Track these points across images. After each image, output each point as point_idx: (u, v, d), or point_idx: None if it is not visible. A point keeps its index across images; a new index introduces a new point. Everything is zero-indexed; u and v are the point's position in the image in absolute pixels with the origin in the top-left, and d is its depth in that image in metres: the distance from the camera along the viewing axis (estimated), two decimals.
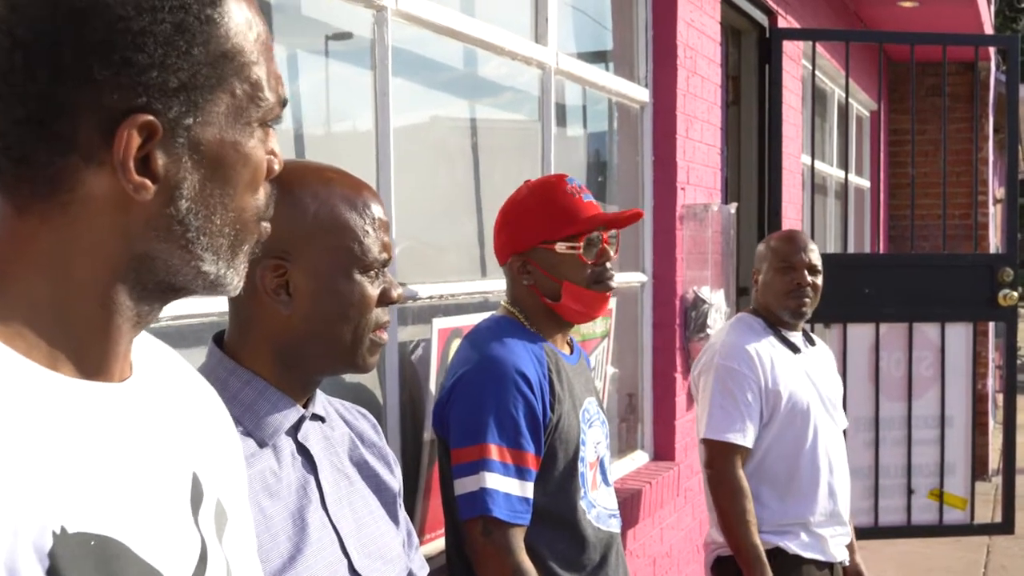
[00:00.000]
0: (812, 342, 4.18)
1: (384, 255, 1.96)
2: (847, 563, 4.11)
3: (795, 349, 4.04)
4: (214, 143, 1.07)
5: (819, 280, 4.06)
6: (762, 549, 3.76)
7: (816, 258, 4.07)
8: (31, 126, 1.01)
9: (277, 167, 1.15)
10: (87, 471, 0.99)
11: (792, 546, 3.91)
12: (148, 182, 1.03)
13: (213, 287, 1.12)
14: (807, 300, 4.03)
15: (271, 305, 1.88)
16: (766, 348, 3.96)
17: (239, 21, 1.08)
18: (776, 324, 4.06)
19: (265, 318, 1.89)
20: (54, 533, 0.93)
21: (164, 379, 1.19)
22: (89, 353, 1.06)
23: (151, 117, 1.01)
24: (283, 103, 1.14)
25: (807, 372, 4.03)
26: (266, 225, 1.15)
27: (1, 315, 1.01)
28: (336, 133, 3.35)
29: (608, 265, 2.95)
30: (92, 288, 1.05)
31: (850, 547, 4.15)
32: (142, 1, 1.01)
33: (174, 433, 1.15)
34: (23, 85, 1.00)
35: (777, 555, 3.86)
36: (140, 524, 1.03)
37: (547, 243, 2.89)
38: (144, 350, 1.17)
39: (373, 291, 1.93)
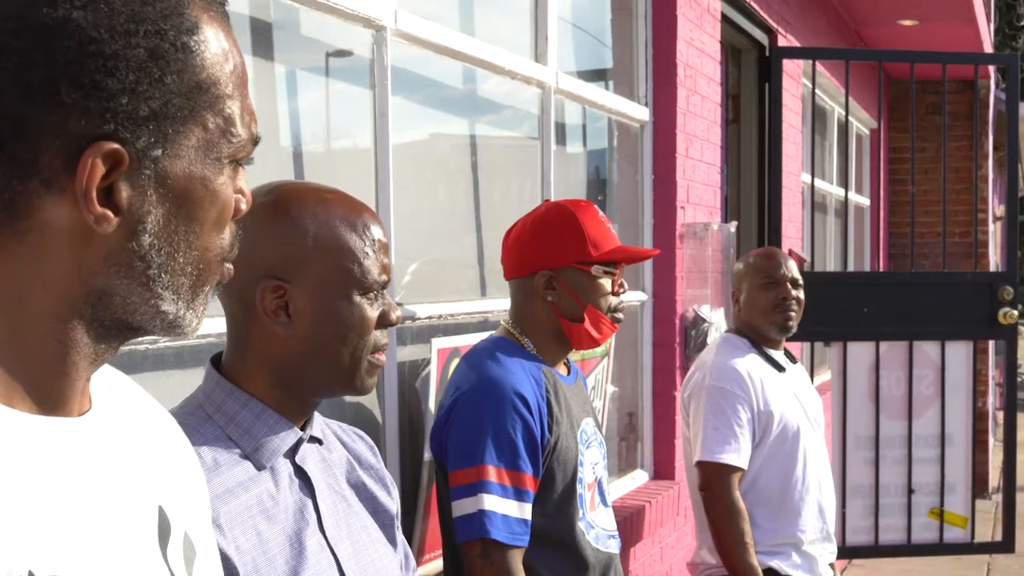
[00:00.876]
0: (793, 359, 4.20)
1: (384, 277, 1.95)
2: None
3: (780, 368, 4.05)
4: (182, 177, 1.02)
5: (801, 294, 4.09)
6: (760, 570, 3.76)
7: (796, 272, 4.10)
8: None
9: (244, 207, 1.10)
10: (51, 511, 0.95)
11: (784, 567, 3.93)
12: (110, 214, 0.98)
13: (171, 328, 1.06)
14: (792, 314, 4.06)
15: (270, 326, 1.87)
16: (755, 368, 3.97)
17: (216, 51, 1.03)
18: (760, 343, 4.07)
19: (264, 340, 1.88)
20: None
21: (124, 411, 1.15)
22: (46, 388, 1.01)
23: (117, 145, 0.97)
24: (255, 141, 1.09)
25: (793, 392, 4.05)
26: (229, 267, 1.10)
27: None
28: (335, 152, 3.35)
29: (622, 300, 2.99)
30: (48, 322, 1.00)
31: (832, 565, 4.18)
32: (116, 23, 0.96)
33: (137, 466, 1.10)
34: None
35: (770, 575, 3.88)
36: (109, 564, 0.99)
37: (582, 264, 2.90)
38: (102, 381, 1.13)
39: (372, 313, 1.92)
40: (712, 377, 3.93)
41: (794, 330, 4.11)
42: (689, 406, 4.00)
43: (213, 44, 1.03)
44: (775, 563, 3.92)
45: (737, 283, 4.13)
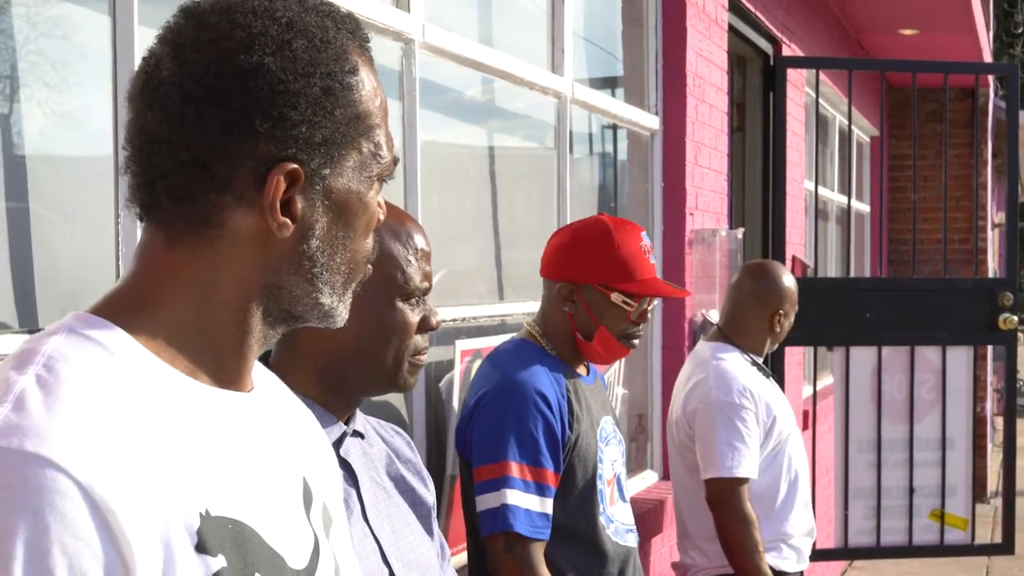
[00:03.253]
0: (766, 362, 4.29)
1: (425, 284, 2.05)
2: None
3: (767, 374, 4.15)
4: (343, 192, 1.21)
5: None
6: (768, 569, 3.86)
7: None
8: (195, 168, 1.14)
9: (381, 217, 1.28)
10: (224, 464, 1.13)
11: (778, 561, 4.04)
12: (289, 222, 1.17)
13: (325, 317, 1.25)
14: None
15: (317, 328, 1.98)
16: (752, 378, 4.03)
17: (369, 88, 1.22)
18: (750, 351, 4.15)
19: (312, 341, 1.98)
20: (200, 515, 1.07)
21: (275, 393, 1.33)
22: (225, 366, 1.20)
23: (296, 166, 1.16)
24: (395, 161, 1.28)
25: (779, 395, 4.16)
26: (370, 267, 1.29)
27: (150, 331, 1.15)
28: None
29: (642, 327, 3.04)
30: (230, 312, 1.19)
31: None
32: (298, 67, 1.15)
33: (288, 441, 1.28)
34: (192, 133, 1.14)
35: None
36: (266, 515, 1.16)
37: (604, 287, 2.95)
38: (256, 370, 1.29)
39: (414, 318, 2.03)
40: (720, 392, 3.95)
41: None
42: (694, 419, 4.00)
43: (367, 82, 1.22)
44: (769, 558, 4.00)
45: (778, 305, 4.14)
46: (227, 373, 1.21)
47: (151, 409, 1.09)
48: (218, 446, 1.14)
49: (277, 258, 1.19)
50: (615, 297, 2.95)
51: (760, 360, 4.19)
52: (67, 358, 1.08)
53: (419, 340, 2.05)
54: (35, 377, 1.05)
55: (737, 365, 4.04)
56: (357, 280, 1.27)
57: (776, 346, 4.27)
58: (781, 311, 4.15)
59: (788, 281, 4.20)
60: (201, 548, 1.06)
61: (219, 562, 1.07)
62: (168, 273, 1.18)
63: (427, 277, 2.06)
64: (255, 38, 1.15)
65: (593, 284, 2.96)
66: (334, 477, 1.41)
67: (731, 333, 4.16)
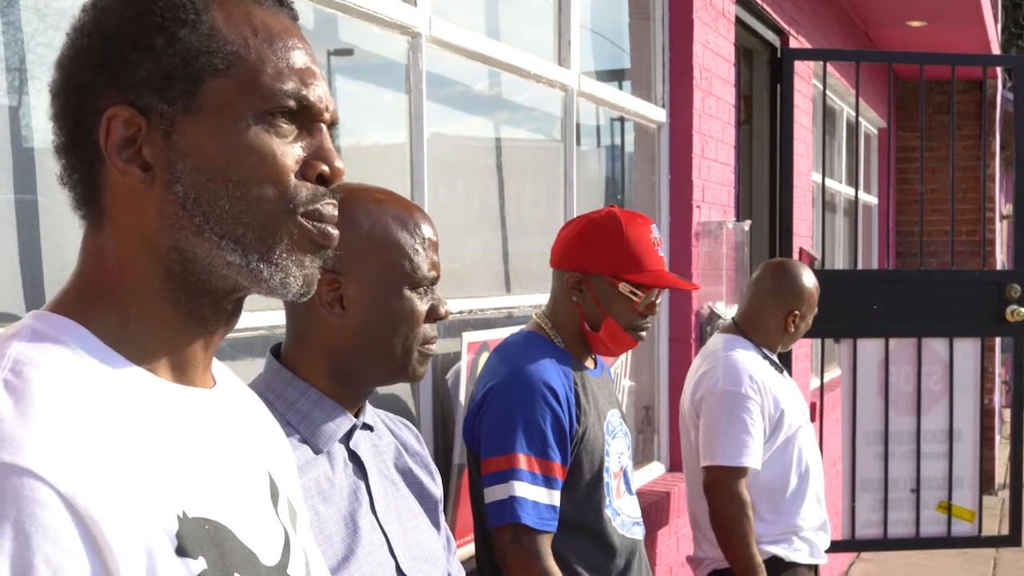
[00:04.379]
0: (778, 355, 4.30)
1: (433, 273, 2.04)
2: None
3: (779, 368, 4.15)
4: (205, 132, 1.14)
5: None
6: (760, 561, 3.88)
7: None
8: (69, 146, 1.15)
9: (325, 169, 1.19)
10: (195, 464, 1.11)
11: (789, 553, 4.04)
12: (135, 168, 1.13)
13: (258, 282, 1.15)
14: None
15: (326, 317, 1.97)
16: (762, 371, 4.04)
17: (223, 19, 1.17)
18: (762, 345, 4.16)
19: (320, 330, 1.98)
20: (178, 517, 1.05)
21: (236, 390, 1.31)
22: (182, 359, 1.16)
23: (124, 108, 1.12)
24: (296, 97, 1.20)
25: (791, 388, 4.16)
26: (324, 228, 1.18)
27: (106, 326, 1.13)
28: (371, 153, 3.43)
29: (649, 319, 3.04)
30: (153, 287, 1.15)
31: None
32: (114, 13, 1.13)
33: (252, 436, 1.26)
34: (61, 115, 1.15)
35: (774, 562, 4.01)
36: (239, 513, 1.14)
37: (613, 277, 2.96)
38: (215, 365, 1.27)
39: (422, 307, 2.02)
40: (727, 382, 3.97)
41: None
42: (700, 407, 4.03)
43: (221, 14, 1.15)
44: (779, 550, 4.02)
45: (795, 305, 4.14)
46: (187, 368, 1.17)
47: (121, 411, 1.06)
48: (188, 446, 1.12)
49: (154, 214, 1.13)
50: (623, 288, 2.96)
51: (773, 356, 4.19)
52: (33, 361, 1.05)
53: (428, 329, 2.04)
54: (2, 383, 1.02)
55: (747, 357, 4.06)
56: (282, 235, 1.15)
57: (790, 346, 4.26)
58: (797, 312, 4.15)
59: (808, 282, 4.18)
60: (181, 551, 1.04)
61: (200, 564, 1.06)
62: (98, 260, 1.16)
63: (435, 266, 2.05)
64: (86, 7, 1.15)
65: (602, 274, 2.97)
66: (293, 472, 1.40)
67: (746, 327, 4.18)
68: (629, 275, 2.96)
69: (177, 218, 1.12)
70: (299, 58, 1.18)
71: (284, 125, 1.16)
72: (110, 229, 1.15)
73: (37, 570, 0.95)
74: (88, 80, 1.12)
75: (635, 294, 2.97)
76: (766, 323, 4.15)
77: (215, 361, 1.27)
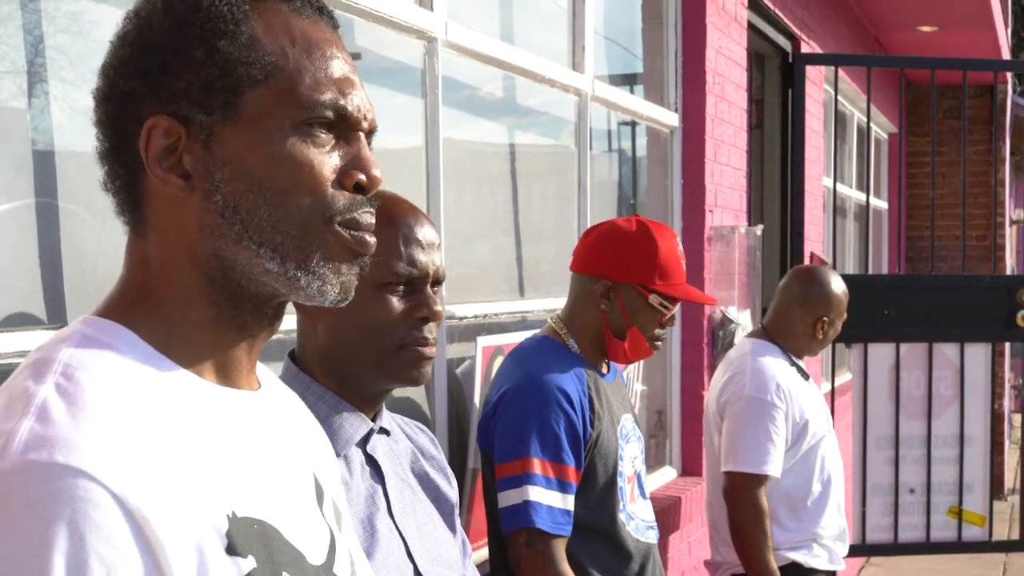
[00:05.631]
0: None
1: (412, 270, 1.97)
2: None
3: (805, 375, 4.15)
4: (245, 141, 1.16)
5: None
6: (775, 566, 3.88)
7: None
8: (112, 153, 1.17)
9: (363, 178, 1.20)
10: (243, 465, 1.13)
11: (808, 559, 4.04)
12: (174, 177, 1.14)
13: (297, 290, 1.17)
14: None
15: (305, 322, 2.00)
16: (788, 377, 4.04)
17: (263, 28, 1.18)
18: (791, 351, 4.16)
19: (305, 335, 2.00)
20: (228, 516, 1.07)
21: (280, 393, 1.33)
22: (227, 362, 1.19)
23: (166, 118, 1.14)
24: (335, 108, 1.20)
25: (816, 396, 4.16)
26: (361, 236, 1.19)
27: (154, 330, 1.15)
28: (387, 157, 3.45)
29: (668, 330, 3.06)
30: (196, 292, 1.16)
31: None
32: (154, 23, 1.15)
33: (296, 437, 1.28)
34: (105, 123, 1.17)
35: (793, 568, 4.01)
36: (286, 513, 1.16)
37: (643, 288, 2.97)
38: (259, 368, 1.28)
39: (396, 306, 1.96)
40: (753, 388, 3.97)
41: None
42: (725, 411, 4.03)
43: (260, 23, 1.16)
44: (798, 556, 4.02)
45: (824, 312, 4.15)
46: (232, 371, 1.19)
47: (171, 413, 1.08)
48: (235, 447, 1.14)
49: (194, 222, 1.15)
50: (653, 299, 2.97)
51: (800, 362, 4.19)
52: (84, 365, 1.07)
53: (411, 329, 1.97)
54: (55, 386, 1.04)
55: (775, 363, 4.06)
56: (317, 244, 1.16)
57: (819, 353, 4.26)
58: (826, 318, 4.15)
59: (836, 288, 4.18)
60: (231, 550, 1.06)
61: (249, 563, 1.07)
62: (142, 266, 1.18)
63: (416, 263, 1.98)
64: (128, 15, 1.17)
65: (633, 284, 2.98)
66: (336, 474, 1.42)
67: (774, 333, 4.18)
68: (659, 287, 2.97)
69: (216, 226, 1.14)
70: (337, 67, 1.19)
71: (322, 135, 1.16)
72: (152, 236, 1.17)
73: (92, 569, 0.97)
74: (130, 89, 1.14)
75: (664, 306, 2.98)
76: (794, 329, 4.15)
77: (259, 364, 1.28)
